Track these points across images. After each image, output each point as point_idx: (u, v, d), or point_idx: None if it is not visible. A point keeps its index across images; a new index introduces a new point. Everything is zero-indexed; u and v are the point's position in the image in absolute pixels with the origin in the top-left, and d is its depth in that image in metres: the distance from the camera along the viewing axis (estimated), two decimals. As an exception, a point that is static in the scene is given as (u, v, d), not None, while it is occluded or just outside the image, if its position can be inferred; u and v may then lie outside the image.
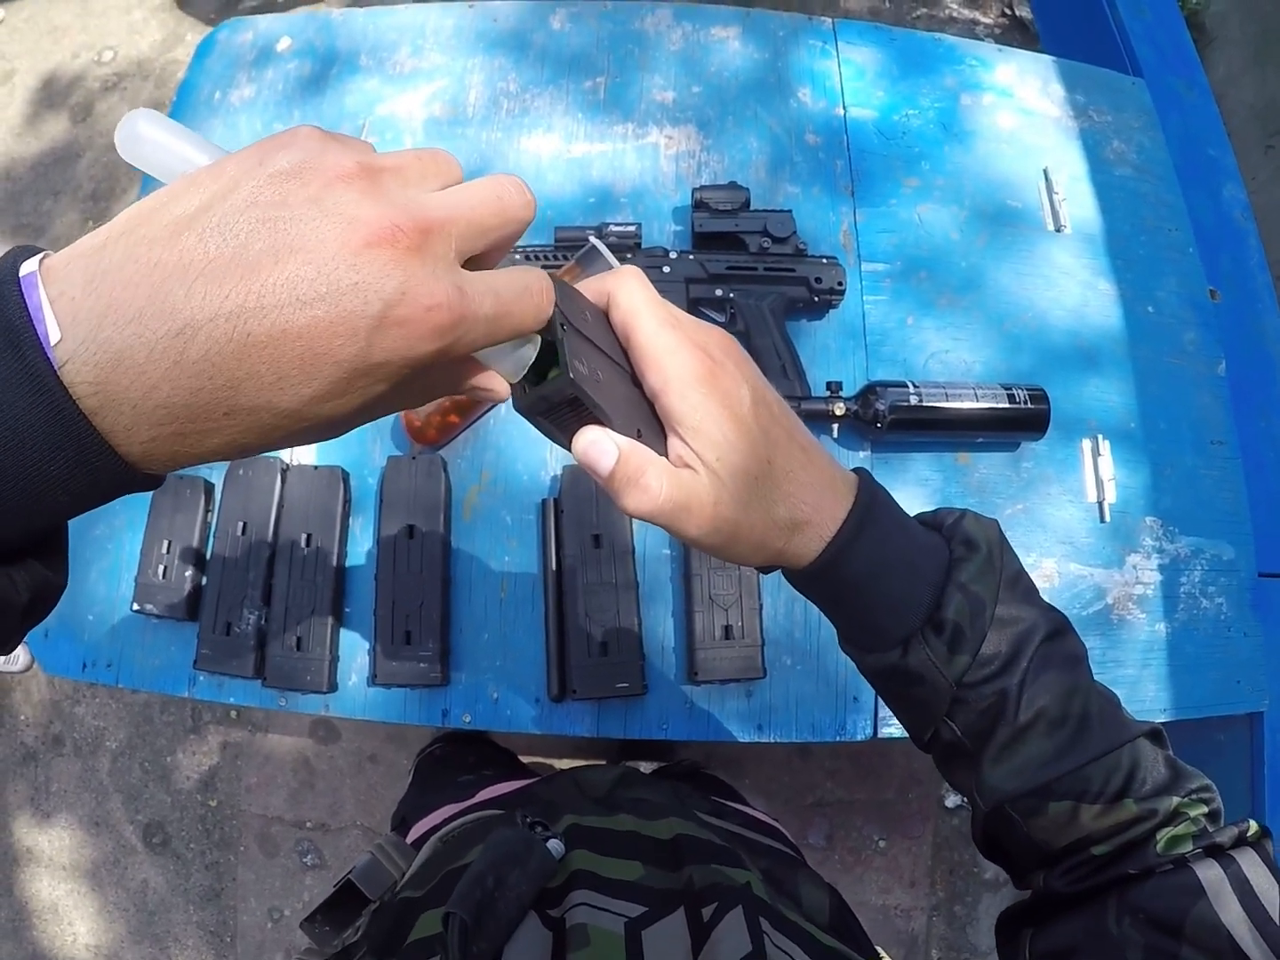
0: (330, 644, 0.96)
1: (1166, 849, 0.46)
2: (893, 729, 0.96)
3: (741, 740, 0.97)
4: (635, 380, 0.43)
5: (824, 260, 1.05)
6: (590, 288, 0.44)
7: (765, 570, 0.52)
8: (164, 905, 2.07)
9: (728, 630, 0.94)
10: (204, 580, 0.99)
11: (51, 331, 0.27)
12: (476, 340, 0.34)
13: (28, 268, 0.29)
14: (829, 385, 1.00)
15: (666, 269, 1.03)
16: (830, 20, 1.29)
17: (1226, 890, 0.43)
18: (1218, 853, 0.45)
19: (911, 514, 0.52)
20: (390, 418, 1.05)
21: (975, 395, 0.99)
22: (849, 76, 1.24)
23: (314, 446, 1.05)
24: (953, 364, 1.09)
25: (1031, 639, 0.48)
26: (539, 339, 0.40)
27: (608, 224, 1.05)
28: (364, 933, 0.58)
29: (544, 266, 1.02)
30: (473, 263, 0.36)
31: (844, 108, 1.21)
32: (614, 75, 1.23)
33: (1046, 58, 1.31)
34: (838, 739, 0.97)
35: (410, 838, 0.78)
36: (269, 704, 0.98)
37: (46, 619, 0.40)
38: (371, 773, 2.08)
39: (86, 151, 2.65)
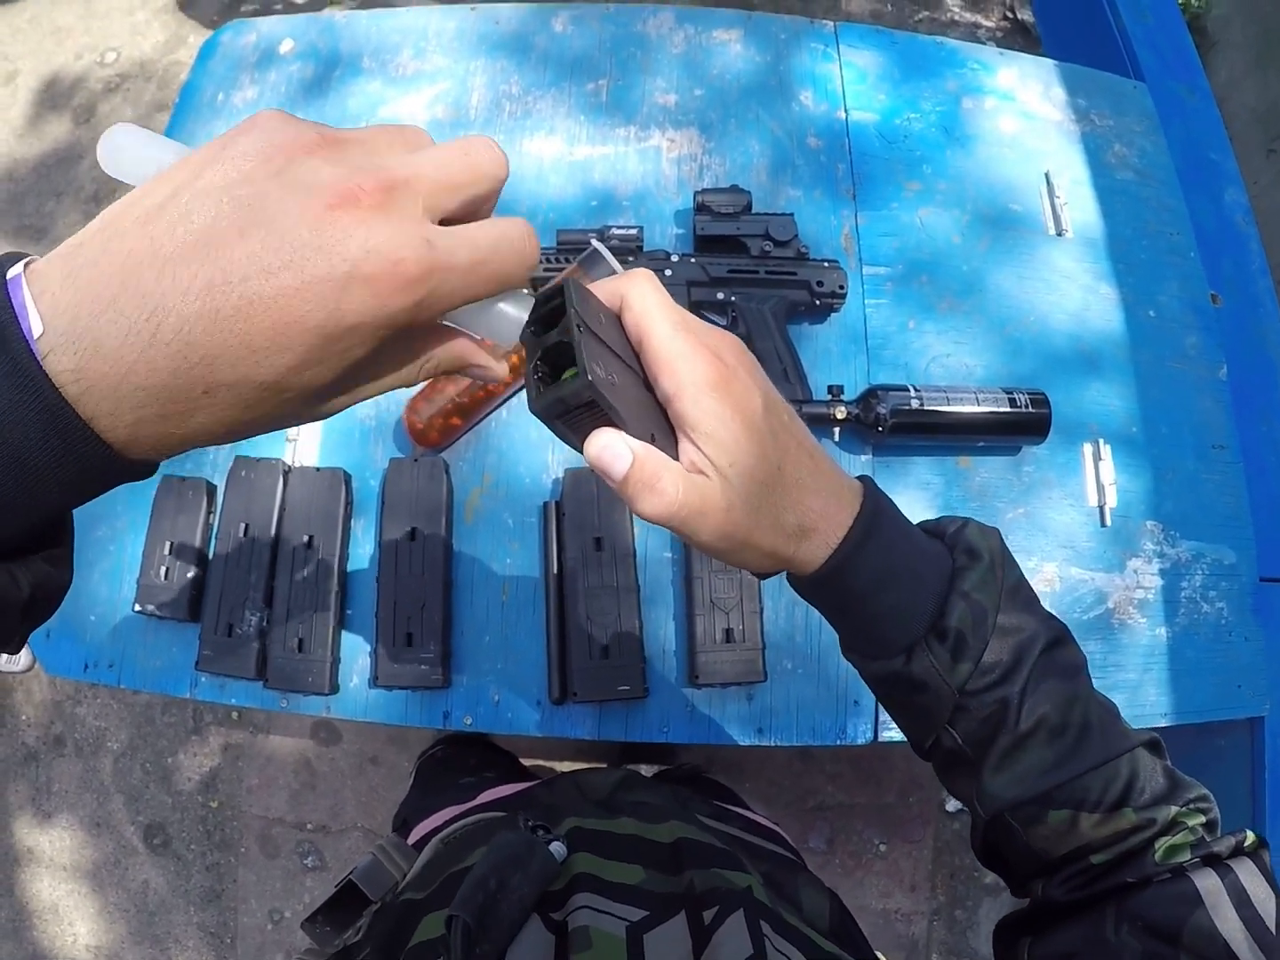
0: (332, 646, 0.96)
1: (1165, 858, 0.46)
2: (893, 733, 0.96)
3: (742, 744, 0.97)
4: (647, 384, 0.43)
5: (825, 264, 1.05)
6: (603, 290, 0.43)
7: (763, 575, 0.52)
8: (164, 906, 2.07)
9: (729, 634, 0.94)
10: (206, 581, 0.99)
11: (35, 326, 0.28)
12: (454, 292, 0.34)
13: (14, 271, 0.30)
14: (830, 389, 1.00)
15: (668, 272, 1.03)
16: (832, 23, 1.29)
17: (1224, 900, 0.44)
18: (1215, 862, 0.46)
19: (914, 520, 0.52)
20: (392, 420, 1.05)
21: (976, 399, 0.99)
22: (851, 80, 1.24)
23: (316, 448, 1.05)
24: (954, 368, 1.09)
25: (1032, 648, 0.48)
26: (531, 301, 0.40)
27: (610, 227, 1.05)
28: (365, 933, 0.58)
29: (546, 269, 1.02)
30: (451, 224, 0.36)
31: (846, 111, 1.22)
32: (616, 78, 1.23)
33: (1048, 61, 1.31)
34: (838, 743, 0.97)
35: (412, 839, 0.78)
36: (270, 705, 0.98)
37: (49, 619, 0.40)
38: (373, 775, 2.08)
39: (89, 153, 2.65)
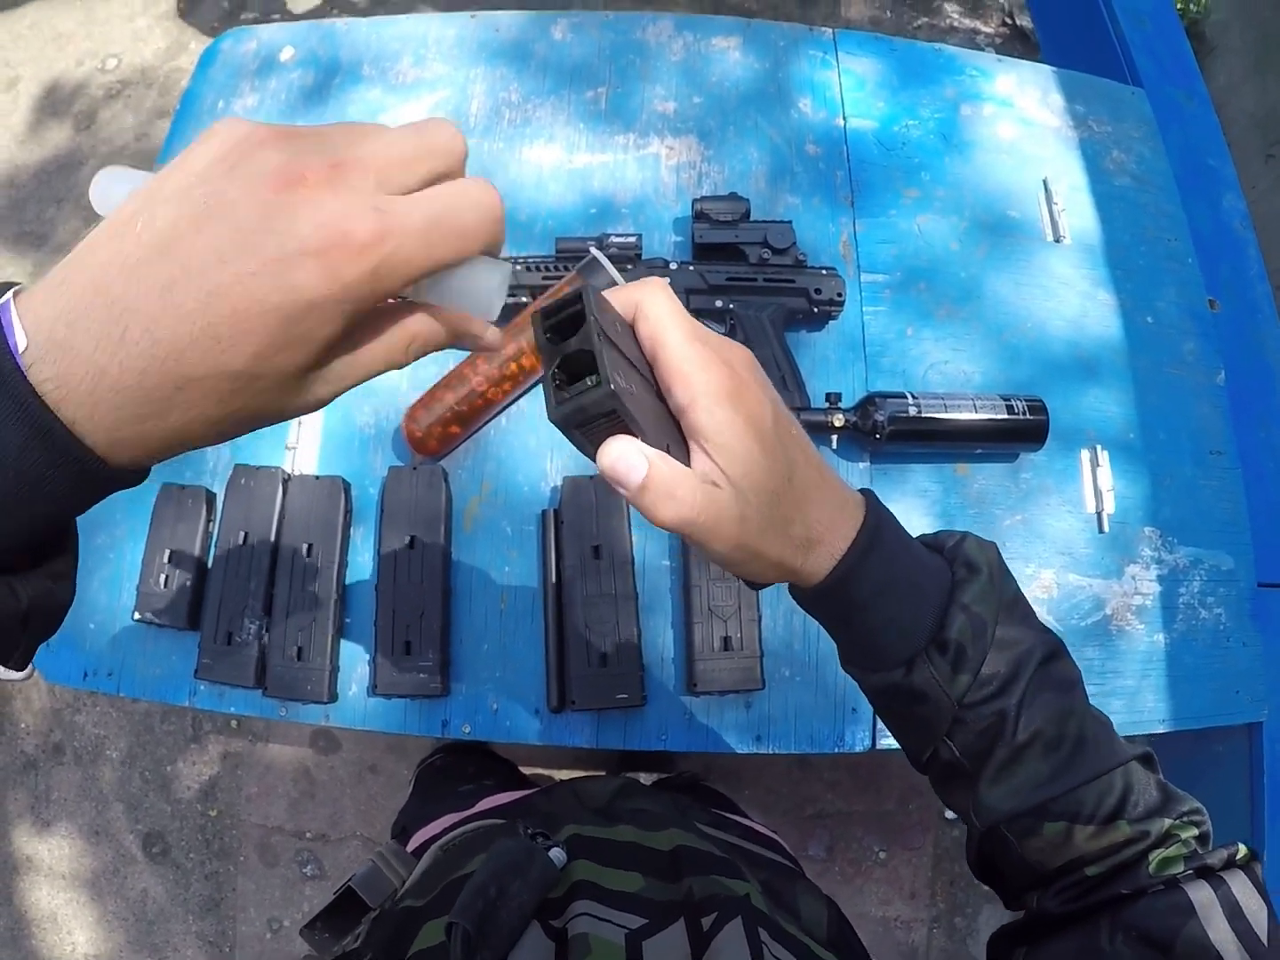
0: (331, 654, 0.96)
1: (1158, 870, 0.46)
2: (891, 740, 0.96)
3: (740, 752, 0.96)
4: (659, 393, 0.43)
5: (823, 271, 1.05)
6: (617, 297, 0.43)
7: (759, 586, 0.52)
8: (163, 915, 2.07)
9: (727, 641, 0.94)
10: (205, 589, 0.99)
11: (19, 340, 0.30)
12: (413, 256, 0.34)
13: (4, 298, 0.32)
14: (828, 396, 1.00)
15: (667, 280, 1.03)
16: (830, 31, 1.29)
17: (1216, 911, 0.44)
18: (1208, 874, 0.46)
19: (912, 529, 0.52)
20: (391, 428, 1.05)
21: (974, 406, 0.99)
22: (849, 87, 1.24)
23: (315, 455, 1.05)
24: (952, 375, 1.09)
25: (1029, 661, 0.49)
26: (508, 268, 0.40)
27: (609, 234, 1.05)
28: (364, 940, 0.58)
29: (545, 278, 1.02)
30: None
31: (844, 118, 1.22)
32: (615, 86, 1.23)
33: (1046, 68, 1.32)
34: (836, 750, 0.97)
35: (411, 846, 0.78)
36: (269, 714, 0.98)
37: (51, 635, 0.41)
38: (372, 783, 2.08)
39: (90, 159, 2.66)
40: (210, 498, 1.03)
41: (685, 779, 1.33)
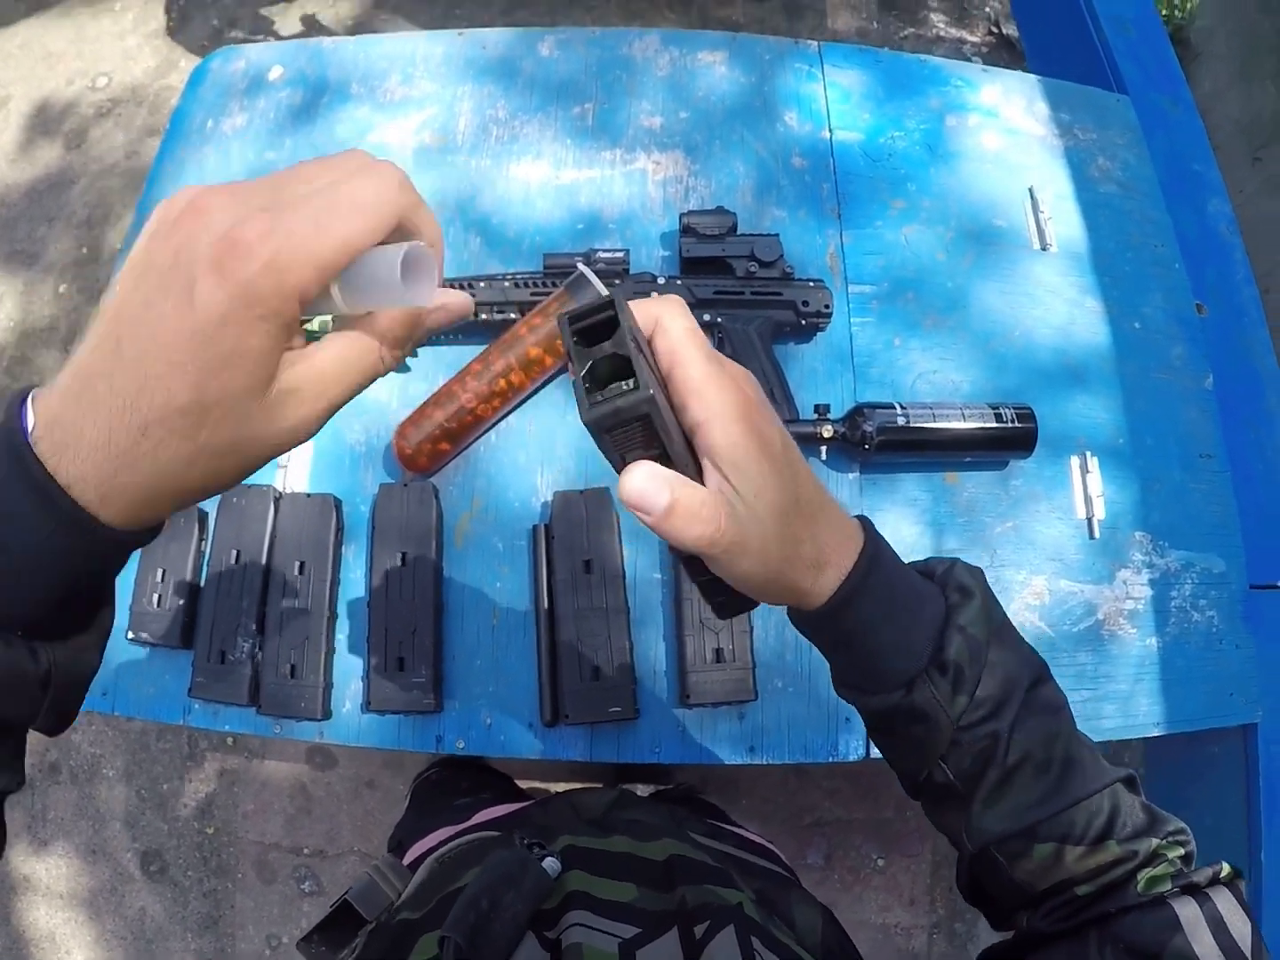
0: (324, 671, 0.96)
1: (1147, 889, 0.47)
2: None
3: (734, 763, 0.97)
4: (671, 408, 0.44)
5: (811, 283, 1.06)
6: (637, 311, 0.44)
7: (727, 614, 0.54)
8: (162, 933, 2.06)
9: (719, 653, 0.95)
10: (198, 608, 0.99)
11: (30, 423, 0.35)
12: (308, 240, 0.33)
13: (32, 391, 0.36)
14: (817, 408, 1.01)
15: (654, 294, 1.04)
16: (816, 43, 1.30)
17: (1202, 927, 0.45)
18: (1195, 891, 0.47)
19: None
20: (382, 445, 1.05)
21: (963, 415, 1.00)
22: (835, 99, 1.25)
23: (306, 474, 1.05)
24: (940, 384, 1.09)
25: (1019, 684, 0.50)
26: (419, 243, 0.37)
27: (596, 250, 1.06)
28: (360, 953, 0.58)
29: (533, 294, 1.02)
30: None
31: (830, 131, 1.23)
32: (602, 101, 1.24)
33: (1031, 77, 1.32)
34: (830, 760, 0.97)
35: (407, 860, 0.78)
36: (264, 731, 0.98)
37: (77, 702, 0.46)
38: (369, 799, 2.07)
39: (80, 178, 2.66)
40: (202, 516, 1.03)
41: (681, 791, 1.33)
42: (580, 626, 0.95)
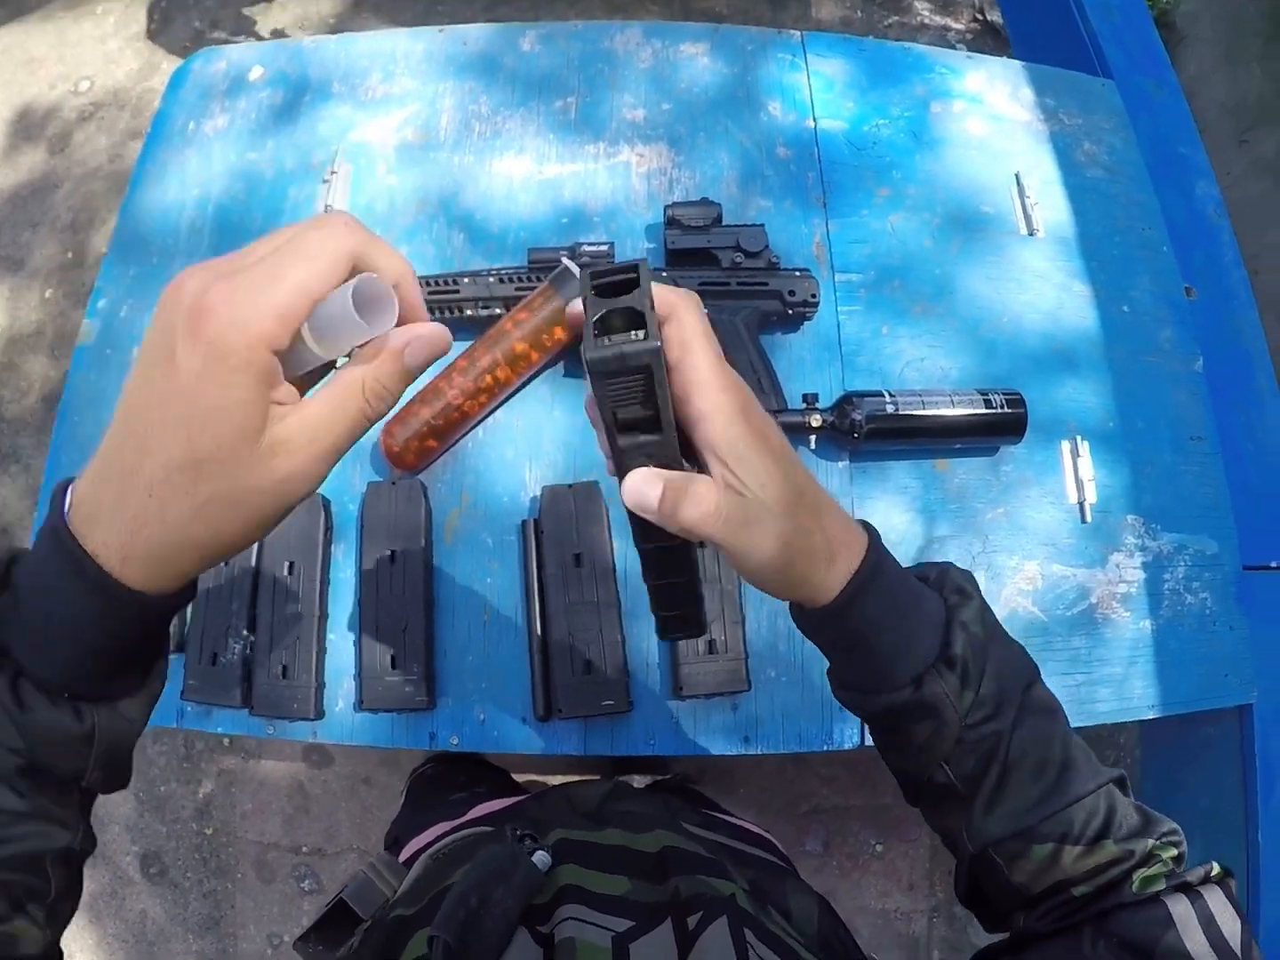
0: (316, 671, 0.96)
1: (1141, 888, 0.49)
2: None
3: (729, 754, 0.97)
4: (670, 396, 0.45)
5: (797, 273, 1.06)
6: (655, 295, 0.45)
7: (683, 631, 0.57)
8: (163, 935, 2.06)
9: (711, 645, 0.95)
10: (188, 610, 0.99)
11: (68, 504, 0.39)
12: (265, 287, 0.36)
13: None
14: (805, 397, 1.00)
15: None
16: (799, 33, 1.30)
17: (1194, 923, 0.46)
18: (1187, 889, 0.48)
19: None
20: (369, 443, 1.04)
21: (952, 402, 0.99)
22: (818, 88, 1.25)
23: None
24: (929, 371, 1.09)
25: (1016, 685, 0.52)
26: (370, 275, 0.40)
27: (581, 244, 1.05)
28: (356, 951, 0.58)
29: (518, 289, 1.02)
30: None
31: (814, 120, 1.22)
32: (584, 95, 1.23)
33: (1015, 63, 1.32)
34: (825, 748, 0.97)
35: (403, 856, 0.78)
36: (257, 732, 0.98)
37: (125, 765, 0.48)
38: (366, 795, 2.07)
39: (64, 182, 2.65)
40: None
41: (675, 782, 1.33)
42: (571, 620, 0.94)
